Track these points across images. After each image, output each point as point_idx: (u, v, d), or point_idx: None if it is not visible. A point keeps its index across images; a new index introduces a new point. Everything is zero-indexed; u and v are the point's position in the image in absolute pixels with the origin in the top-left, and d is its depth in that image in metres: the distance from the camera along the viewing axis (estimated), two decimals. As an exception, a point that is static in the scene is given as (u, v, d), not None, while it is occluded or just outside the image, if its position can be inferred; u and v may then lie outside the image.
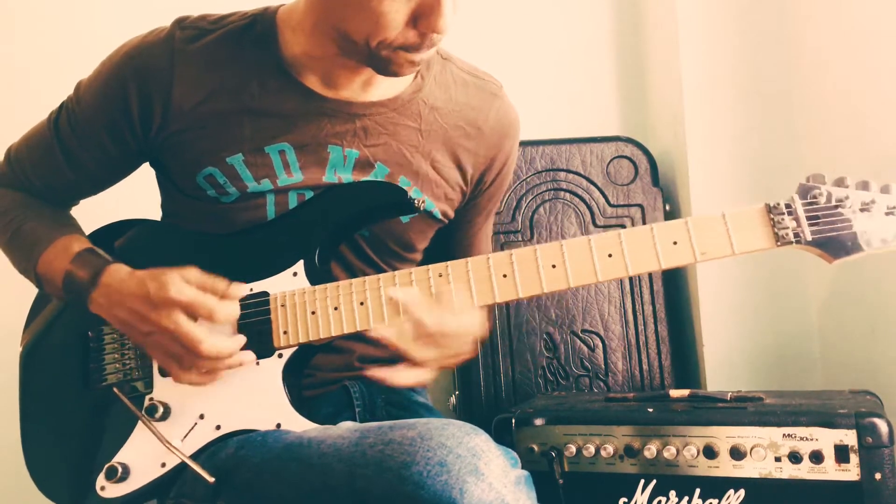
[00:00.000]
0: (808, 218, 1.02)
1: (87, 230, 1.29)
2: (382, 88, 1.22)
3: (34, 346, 1.28)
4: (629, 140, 1.86)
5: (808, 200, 1.03)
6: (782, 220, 1.02)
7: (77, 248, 1.19)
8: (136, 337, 1.12)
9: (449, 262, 1.08)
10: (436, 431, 0.93)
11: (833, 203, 1.02)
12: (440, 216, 1.29)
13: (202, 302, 1.08)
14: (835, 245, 1.02)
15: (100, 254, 1.19)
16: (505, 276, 1.06)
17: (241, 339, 1.11)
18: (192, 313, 1.07)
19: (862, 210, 1.02)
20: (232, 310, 1.10)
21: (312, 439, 1.02)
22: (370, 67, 1.14)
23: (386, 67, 1.11)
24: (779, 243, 1.02)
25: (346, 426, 1.05)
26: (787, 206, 1.03)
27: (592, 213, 1.82)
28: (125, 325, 1.12)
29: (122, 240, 1.26)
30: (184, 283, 1.08)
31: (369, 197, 1.19)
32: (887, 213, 1.01)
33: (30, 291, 1.31)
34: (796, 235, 1.02)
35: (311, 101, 1.20)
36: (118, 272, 1.14)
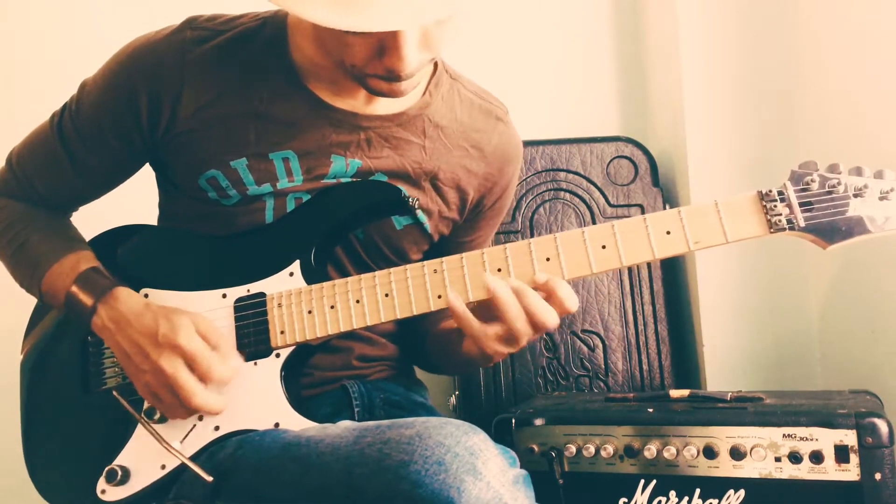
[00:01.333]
0: (801, 204, 1.02)
1: (88, 235, 1.29)
2: (389, 102, 1.21)
3: (34, 351, 1.28)
4: (629, 140, 1.86)
5: (801, 187, 1.02)
6: (775, 206, 1.02)
7: (82, 266, 1.18)
8: (131, 369, 1.11)
9: (444, 258, 1.08)
10: (434, 430, 0.93)
11: (826, 189, 1.02)
12: (430, 230, 1.29)
13: (204, 356, 1.07)
14: (828, 231, 1.01)
15: (105, 274, 1.18)
16: (499, 269, 1.06)
17: (225, 403, 1.10)
18: (191, 364, 1.07)
19: (855, 195, 1.01)
20: (227, 373, 1.09)
21: (311, 439, 1.02)
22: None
23: (367, 88, 1.10)
24: (772, 230, 1.02)
25: (344, 425, 1.05)
26: (780, 192, 1.02)
27: (592, 214, 1.82)
28: (124, 355, 1.12)
29: (123, 246, 1.25)
30: (194, 332, 1.08)
31: (365, 195, 1.19)
32: (881, 198, 1.00)
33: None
34: (789, 222, 1.01)
35: (318, 110, 1.19)
36: (132, 299, 1.14)
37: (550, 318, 1.03)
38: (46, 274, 1.20)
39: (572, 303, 1.04)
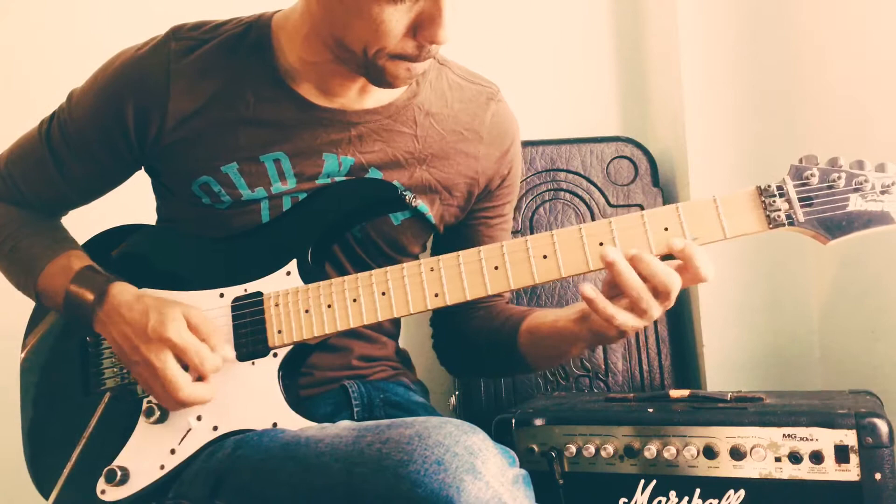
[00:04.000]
0: (801, 199, 1.00)
1: (83, 237, 1.29)
2: (378, 95, 1.22)
3: (35, 351, 1.28)
4: (629, 140, 1.86)
5: (801, 181, 1.01)
6: (774, 202, 1.00)
7: (77, 265, 1.19)
8: (123, 356, 1.13)
9: (440, 256, 1.08)
10: (433, 430, 0.92)
11: (826, 183, 1.00)
12: (434, 220, 1.29)
13: (195, 349, 1.09)
14: (828, 226, 0.99)
15: (100, 271, 1.19)
16: (496, 267, 1.06)
17: (215, 391, 1.11)
18: (182, 358, 1.09)
19: (856, 189, 0.99)
20: (218, 364, 1.11)
21: (310, 438, 1.02)
22: (364, 77, 1.13)
23: (380, 78, 1.10)
24: (771, 226, 1.00)
25: (344, 425, 1.05)
26: (779, 187, 1.01)
27: (592, 214, 1.82)
28: (117, 347, 1.13)
29: (120, 246, 1.26)
30: (184, 324, 1.09)
31: (361, 193, 1.19)
32: (882, 192, 0.98)
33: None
34: (788, 217, 1.00)
35: (306, 111, 1.19)
36: (125, 292, 1.14)
37: (671, 281, 0.99)
38: (41, 274, 1.21)
39: (708, 270, 1.00)
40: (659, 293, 1.00)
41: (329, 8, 1.08)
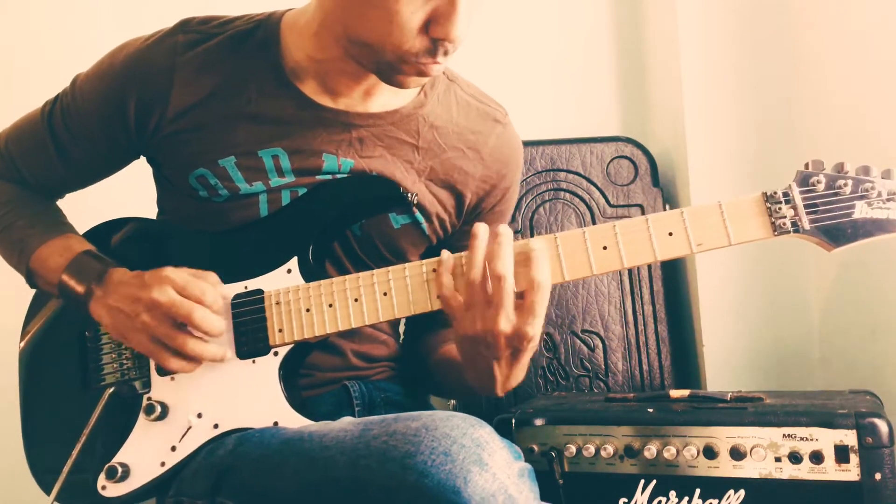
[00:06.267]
0: (806, 206, 1.00)
1: (83, 228, 1.30)
2: (383, 100, 1.22)
3: (33, 346, 1.28)
4: (629, 140, 1.86)
5: (807, 188, 1.00)
6: (779, 208, 1.00)
7: (77, 248, 1.20)
8: (123, 323, 1.12)
9: (441, 258, 1.08)
10: (440, 422, 0.93)
11: (832, 190, 1.00)
12: (427, 231, 1.29)
13: (195, 283, 1.09)
14: (833, 234, 0.99)
15: (101, 256, 1.19)
16: None
17: (225, 322, 1.11)
18: (184, 292, 1.09)
19: (861, 197, 0.99)
20: (221, 296, 1.11)
21: (313, 433, 1.02)
22: (375, 74, 1.12)
23: (392, 76, 1.09)
24: (776, 233, 1.00)
25: (347, 420, 1.05)
26: (785, 194, 1.00)
27: (592, 214, 1.82)
28: (113, 313, 1.12)
29: (117, 238, 1.26)
30: (178, 270, 1.11)
31: (362, 190, 1.19)
32: (888, 199, 0.98)
33: (29, 289, 1.31)
34: (794, 224, 1.00)
35: (308, 110, 1.19)
36: (120, 271, 1.16)
37: (503, 261, 1.00)
38: (37, 251, 1.22)
39: (539, 274, 1.00)
40: (491, 279, 1.00)
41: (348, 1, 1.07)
